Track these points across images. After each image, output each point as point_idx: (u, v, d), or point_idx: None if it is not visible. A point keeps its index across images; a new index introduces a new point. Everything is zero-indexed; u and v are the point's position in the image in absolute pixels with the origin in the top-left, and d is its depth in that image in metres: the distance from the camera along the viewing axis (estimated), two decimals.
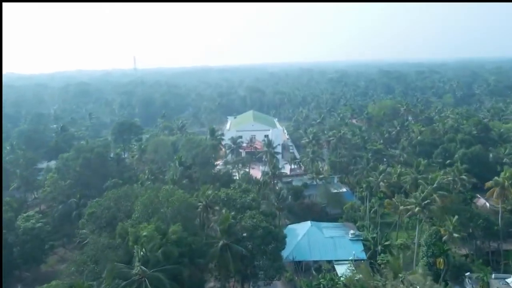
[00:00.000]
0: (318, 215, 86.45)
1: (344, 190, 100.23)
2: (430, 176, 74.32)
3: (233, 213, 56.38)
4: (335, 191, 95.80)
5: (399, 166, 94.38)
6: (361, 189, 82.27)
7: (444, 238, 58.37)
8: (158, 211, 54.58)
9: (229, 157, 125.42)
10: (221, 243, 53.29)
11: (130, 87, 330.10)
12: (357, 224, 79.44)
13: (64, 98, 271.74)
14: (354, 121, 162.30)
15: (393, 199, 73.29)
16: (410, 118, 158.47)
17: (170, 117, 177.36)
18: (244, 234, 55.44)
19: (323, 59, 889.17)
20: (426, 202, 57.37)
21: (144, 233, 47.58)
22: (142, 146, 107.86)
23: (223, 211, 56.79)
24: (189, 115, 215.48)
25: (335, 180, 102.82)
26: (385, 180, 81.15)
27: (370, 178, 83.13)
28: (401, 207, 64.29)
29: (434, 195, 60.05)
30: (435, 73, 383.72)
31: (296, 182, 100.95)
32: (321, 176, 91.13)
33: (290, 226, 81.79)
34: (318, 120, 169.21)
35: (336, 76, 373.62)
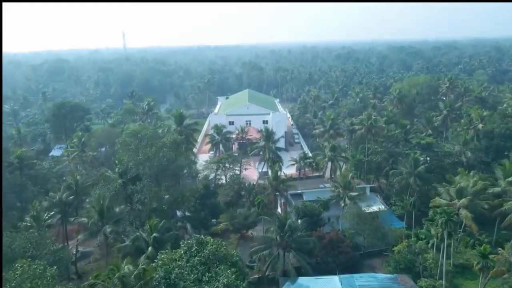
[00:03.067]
0: (347, 257, 52.61)
1: (383, 207, 66.05)
2: None
3: None
4: (370, 210, 61.49)
5: (473, 173, 59.93)
6: (436, 226, 46.61)
7: None
8: None
9: (212, 153, 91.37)
10: None
11: (113, 64, 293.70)
12: (419, 283, 45.70)
13: (31, 76, 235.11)
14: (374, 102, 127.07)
15: (500, 250, 38.96)
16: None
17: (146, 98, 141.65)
18: None
19: (325, 39, 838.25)
20: None
21: None
22: (83, 140, 73.27)
23: None
24: (172, 96, 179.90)
25: (367, 191, 68.31)
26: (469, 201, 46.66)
27: (441, 200, 48.71)
28: None
29: None
30: (453, 49, 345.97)
31: (309, 196, 66.68)
32: (353, 194, 56.23)
33: (302, 280, 48.10)
34: (330, 101, 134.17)
35: (343, 53, 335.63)
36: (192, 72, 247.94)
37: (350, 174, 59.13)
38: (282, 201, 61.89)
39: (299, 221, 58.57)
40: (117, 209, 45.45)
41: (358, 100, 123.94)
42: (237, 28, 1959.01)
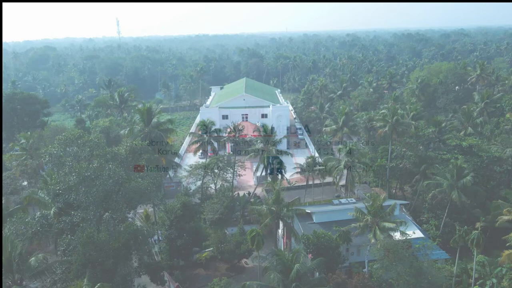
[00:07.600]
0: None
1: (419, 232, 50.31)
2: None
3: None
4: (404, 237, 45.29)
5: None
6: None
7: None
8: None
9: (200, 154, 75.45)
10: None
11: (103, 52, 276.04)
12: None
13: (12, 65, 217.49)
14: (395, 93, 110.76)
15: None
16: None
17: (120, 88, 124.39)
18: None
19: (324, 29, 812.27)
20: None
21: None
22: (31, 142, 57.23)
23: None
24: (160, 86, 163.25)
25: (397, 210, 52.14)
26: None
27: None
28: None
29: None
30: (463, 36, 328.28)
31: (320, 217, 50.79)
32: (388, 225, 39.75)
33: None
34: (339, 92, 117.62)
35: (348, 40, 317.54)
36: (187, 60, 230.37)
37: (383, 196, 42.89)
38: (285, 229, 45.84)
39: (309, 256, 42.97)
40: (35, 258, 29.55)
41: (371, 90, 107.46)
42: (236, 17, 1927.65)
